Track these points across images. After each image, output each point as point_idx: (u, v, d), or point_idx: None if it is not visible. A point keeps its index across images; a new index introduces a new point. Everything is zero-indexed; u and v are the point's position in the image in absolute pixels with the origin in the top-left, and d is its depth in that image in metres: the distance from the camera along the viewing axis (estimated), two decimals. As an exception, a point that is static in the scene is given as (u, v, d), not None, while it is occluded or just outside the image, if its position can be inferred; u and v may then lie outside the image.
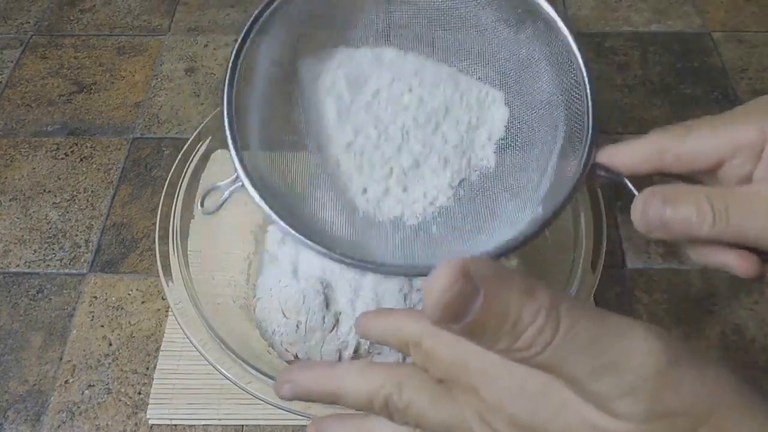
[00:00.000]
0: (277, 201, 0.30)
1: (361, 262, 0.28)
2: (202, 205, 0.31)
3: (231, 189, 0.30)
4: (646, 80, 0.66)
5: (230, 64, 0.32)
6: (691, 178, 0.29)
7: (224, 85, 0.31)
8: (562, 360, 0.19)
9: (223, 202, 0.31)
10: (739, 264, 0.27)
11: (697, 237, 0.26)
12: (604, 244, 0.41)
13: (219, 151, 0.46)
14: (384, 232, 0.36)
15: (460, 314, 0.19)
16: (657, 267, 0.52)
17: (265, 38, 0.34)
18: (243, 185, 0.29)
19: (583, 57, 0.32)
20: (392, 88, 0.38)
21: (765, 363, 0.47)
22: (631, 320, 0.20)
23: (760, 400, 0.20)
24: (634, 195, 0.28)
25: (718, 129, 0.27)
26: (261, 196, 0.29)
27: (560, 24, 0.33)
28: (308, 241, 0.28)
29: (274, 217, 0.28)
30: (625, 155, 0.29)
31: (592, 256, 0.40)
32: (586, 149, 0.30)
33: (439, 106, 0.37)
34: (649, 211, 0.27)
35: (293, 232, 0.28)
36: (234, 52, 0.32)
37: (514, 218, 0.33)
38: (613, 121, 0.62)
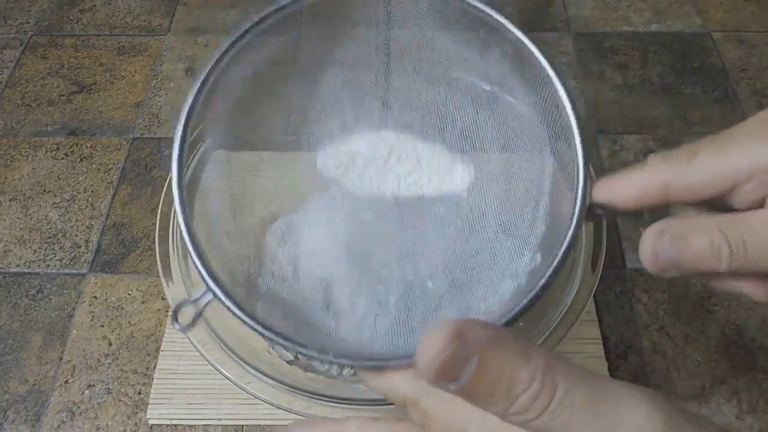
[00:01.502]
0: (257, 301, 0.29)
1: (354, 359, 0.26)
2: (176, 320, 0.29)
3: (205, 303, 0.28)
4: (646, 80, 0.66)
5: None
6: (698, 207, 0.26)
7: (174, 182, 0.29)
8: (558, 425, 0.19)
9: (199, 317, 0.29)
10: (756, 291, 0.25)
11: (714, 271, 0.24)
12: (604, 244, 0.41)
13: (219, 151, 0.46)
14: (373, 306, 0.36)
15: (453, 377, 0.19)
16: (657, 267, 0.52)
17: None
18: (215, 296, 0.27)
19: (561, 82, 0.29)
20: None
21: (765, 363, 0.47)
22: (629, 386, 0.20)
23: None
24: (639, 229, 0.27)
25: (724, 152, 0.25)
26: (237, 305, 0.27)
27: (527, 42, 0.31)
28: (300, 347, 0.27)
29: (258, 328, 0.27)
30: (625, 190, 0.27)
31: (592, 256, 0.40)
32: (580, 190, 0.28)
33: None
34: (660, 252, 0.25)
35: (280, 340, 0.27)
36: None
37: (513, 265, 0.32)
38: (613, 122, 0.62)
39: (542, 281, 0.27)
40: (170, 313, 0.30)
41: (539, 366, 0.19)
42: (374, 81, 0.37)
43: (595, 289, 0.39)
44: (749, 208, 0.25)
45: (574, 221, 0.27)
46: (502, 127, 0.35)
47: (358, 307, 0.42)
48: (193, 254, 0.28)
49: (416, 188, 0.40)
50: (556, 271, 0.27)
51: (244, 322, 0.27)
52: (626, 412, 0.19)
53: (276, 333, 0.27)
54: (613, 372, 0.46)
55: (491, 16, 0.31)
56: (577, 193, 0.28)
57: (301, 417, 0.35)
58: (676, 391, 0.45)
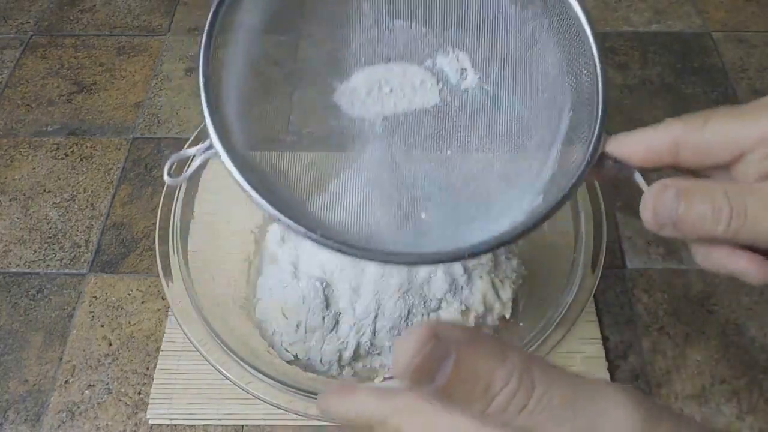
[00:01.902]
0: (256, 175, 0.27)
1: (350, 246, 0.26)
2: (169, 174, 0.28)
3: (203, 155, 0.27)
4: (646, 80, 0.66)
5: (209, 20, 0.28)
6: (704, 174, 0.27)
7: (201, 44, 0.28)
8: (536, 424, 0.19)
9: (194, 170, 0.28)
10: (752, 269, 0.25)
11: (710, 236, 0.24)
12: (604, 244, 0.41)
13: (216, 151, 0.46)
14: (374, 217, 0.34)
15: (430, 377, 0.19)
16: (657, 267, 0.52)
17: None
18: (216, 152, 0.26)
19: (593, 33, 0.30)
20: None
21: (765, 363, 0.47)
22: (606, 383, 0.20)
23: None
24: (641, 191, 0.26)
25: (738, 119, 0.25)
26: (237, 167, 0.26)
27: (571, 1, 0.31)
28: (287, 220, 0.25)
29: (252, 193, 0.26)
30: (638, 145, 0.27)
31: (592, 256, 0.40)
32: (595, 136, 0.27)
33: None
34: (661, 206, 0.25)
35: (273, 210, 0.25)
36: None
37: (512, 207, 0.31)
38: (613, 122, 0.62)
39: (542, 212, 0.27)
40: (165, 167, 0.29)
41: (516, 365, 0.19)
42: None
43: (595, 289, 0.39)
44: (756, 182, 0.25)
45: (584, 163, 0.27)
46: (526, 58, 0.34)
47: (358, 307, 0.42)
48: (205, 98, 0.27)
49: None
50: (552, 212, 0.27)
51: (240, 185, 0.26)
52: (605, 410, 0.19)
53: (271, 203, 0.25)
54: (613, 372, 0.46)
55: None
56: (595, 125, 0.27)
57: (301, 417, 0.35)
58: (676, 391, 0.45)
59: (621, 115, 0.63)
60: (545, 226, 0.28)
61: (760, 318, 0.49)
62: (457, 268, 0.42)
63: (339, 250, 0.25)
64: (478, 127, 0.37)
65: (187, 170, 0.28)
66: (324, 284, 0.42)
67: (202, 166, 0.30)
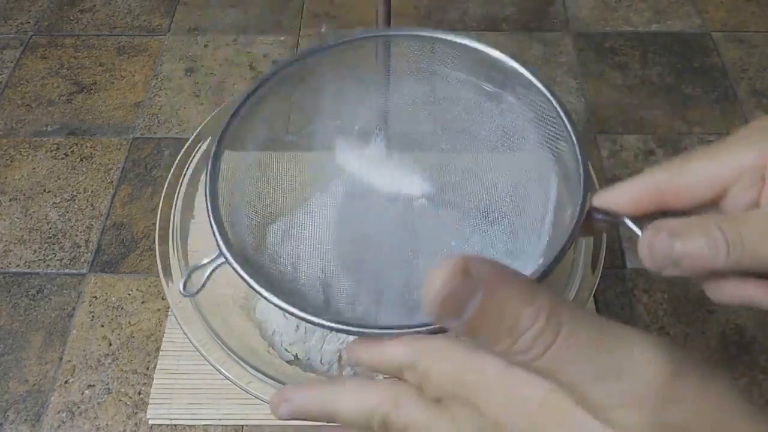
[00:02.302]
0: (263, 275, 0.29)
1: (359, 327, 0.26)
2: (184, 287, 0.29)
3: (214, 267, 0.28)
4: (646, 80, 0.66)
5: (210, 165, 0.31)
6: (694, 213, 0.27)
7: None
8: (562, 365, 0.19)
9: (206, 281, 0.29)
10: (762, 296, 0.25)
11: (713, 269, 0.24)
12: (604, 244, 0.41)
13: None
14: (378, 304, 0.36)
15: (457, 311, 0.19)
16: (657, 267, 0.52)
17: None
18: (226, 261, 0.28)
19: (562, 108, 0.31)
20: None
21: (765, 363, 0.47)
22: (635, 329, 0.20)
23: (763, 417, 0.20)
24: (637, 234, 0.27)
25: (716, 157, 0.26)
26: (246, 271, 0.27)
27: (535, 81, 0.32)
28: (303, 314, 0.27)
29: (262, 291, 0.27)
30: (621, 196, 0.28)
31: (592, 256, 0.40)
32: (581, 196, 0.28)
33: None
34: (657, 248, 0.25)
35: (284, 305, 0.27)
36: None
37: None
38: (613, 122, 0.62)
39: (537, 274, 0.27)
40: (181, 279, 0.30)
41: (544, 305, 0.19)
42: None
43: (595, 289, 0.39)
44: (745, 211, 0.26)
45: (573, 224, 0.28)
46: (505, 141, 0.35)
47: (358, 305, 0.42)
48: (212, 217, 0.29)
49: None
50: (547, 273, 0.27)
51: (251, 286, 0.27)
52: (631, 355, 0.19)
53: (279, 298, 0.27)
54: (613, 372, 0.46)
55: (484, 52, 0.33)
56: (578, 197, 0.28)
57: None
58: (676, 391, 0.46)
59: (621, 115, 0.63)
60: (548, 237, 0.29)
61: (760, 318, 0.49)
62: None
63: (349, 333, 0.26)
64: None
65: (203, 281, 0.29)
66: (324, 284, 0.42)
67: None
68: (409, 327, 0.24)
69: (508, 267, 0.20)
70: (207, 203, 0.30)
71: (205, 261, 0.29)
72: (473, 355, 0.21)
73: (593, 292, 0.39)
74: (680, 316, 0.49)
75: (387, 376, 0.25)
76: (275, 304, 0.26)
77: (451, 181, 0.41)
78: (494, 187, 0.37)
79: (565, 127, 0.31)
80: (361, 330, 0.25)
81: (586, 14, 0.73)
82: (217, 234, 0.29)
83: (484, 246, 0.38)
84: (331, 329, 0.26)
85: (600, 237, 0.41)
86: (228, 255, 0.28)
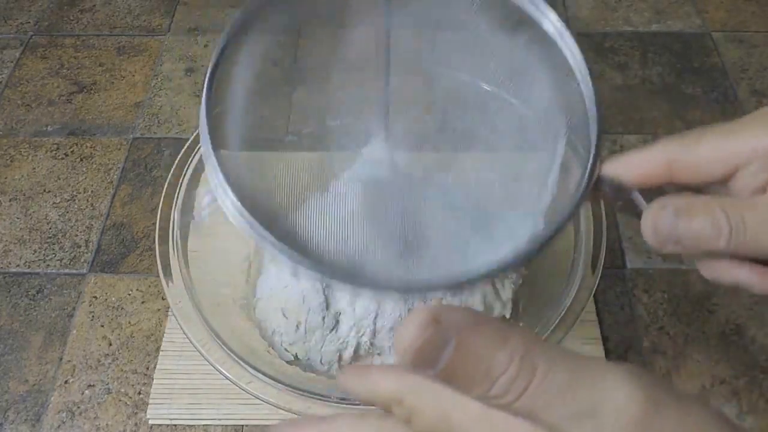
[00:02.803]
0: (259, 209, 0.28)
1: (354, 277, 0.26)
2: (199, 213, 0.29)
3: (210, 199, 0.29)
4: (646, 80, 0.66)
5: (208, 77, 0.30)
6: (701, 190, 0.27)
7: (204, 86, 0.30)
8: (539, 406, 0.19)
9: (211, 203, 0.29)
10: (755, 281, 0.25)
11: (713, 251, 0.25)
12: (604, 244, 0.41)
13: (220, 150, 0.46)
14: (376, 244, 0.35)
15: (431, 361, 0.19)
16: (657, 267, 0.52)
17: (253, 37, 0.33)
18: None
19: (584, 58, 0.31)
20: None
21: (765, 363, 0.47)
22: (609, 365, 0.20)
23: None
24: (640, 210, 0.26)
25: (731, 135, 0.26)
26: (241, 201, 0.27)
27: (559, 25, 0.31)
28: (300, 258, 0.26)
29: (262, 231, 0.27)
30: (632, 166, 0.28)
31: (592, 256, 0.40)
32: (591, 160, 0.28)
33: None
34: (661, 225, 0.25)
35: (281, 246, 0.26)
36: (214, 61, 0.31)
37: (514, 232, 0.32)
38: (613, 122, 0.62)
39: (542, 240, 0.27)
40: (196, 209, 0.30)
41: (517, 348, 0.19)
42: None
43: (595, 289, 0.39)
44: (752, 195, 0.25)
45: (582, 188, 0.27)
46: (518, 91, 0.35)
47: (358, 307, 0.42)
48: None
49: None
50: (553, 237, 0.27)
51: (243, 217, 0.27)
52: (607, 391, 0.19)
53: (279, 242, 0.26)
54: (613, 372, 0.46)
55: None
56: (587, 161, 0.28)
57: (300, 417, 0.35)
58: (676, 391, 0.45)
59: (621, 115, 0.63)
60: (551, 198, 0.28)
61: (760, 318, 0.49)
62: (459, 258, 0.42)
63: (332, 278, 0.26)
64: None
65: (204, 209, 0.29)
66: (324, 284, 0.42)
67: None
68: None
69: (479, 313, 0.21)
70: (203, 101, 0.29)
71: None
72: (458, 396, 0.21)
73: (593, 292, 0.39)
74: (680, 316, 0.49)
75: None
76: (267, 240, 0.26)
77: (456, 118, 0.40)
78: (501, 134, 0.37)
79: (579, 87, 0.29)
80: (348, 282, 0.25)
81: (586, 14, 0.73)
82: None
83: (484, 190, 0.37)
84: (322, 274, 0.26)
85: (600, 237, 0.41)
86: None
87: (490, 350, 0.19)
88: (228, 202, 0.27)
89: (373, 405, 0.24)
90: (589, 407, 0.19)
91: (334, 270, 0.26)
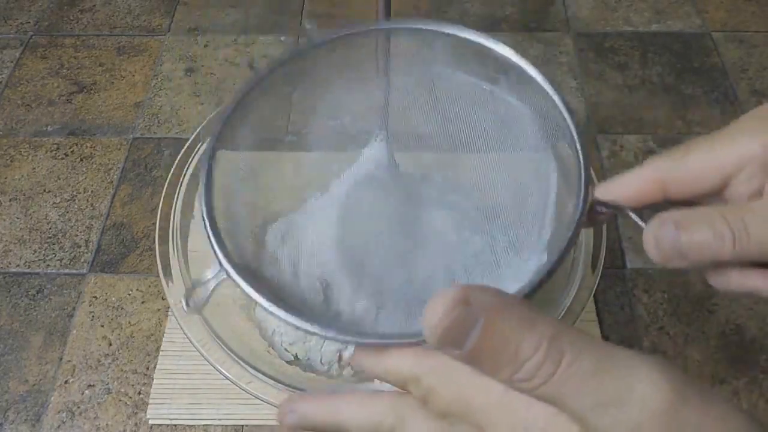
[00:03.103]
0: (264, 285, 0.28)
1: (361, 336, 0.26)
2: (187, 304, 0.29)
3: (217, 282, 0.28)
4: (646, 80, 0.66)
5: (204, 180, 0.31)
6: (697, 204, 0.27)
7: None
8: (564, 393, 0.19)
9: (210, 296, 0.29)
10: (766, 285, 0.25)
11: (719, 260, 0.24)
12: (604, 244, 0.41)
13: (220, 151, 0.46)
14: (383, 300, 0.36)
15: (457, 341, 0.19)
16: (657, 267, 0.52)
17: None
18: (228, 275, 0.28)
19: (561, 99, 0.30)
20: None
21: (765, 363, 0.47)
22: (637, 355, 0.20)
23: None
24: (641, 227, 0.26)
25: (717, 145, 0.26)
26: (248, 283, 0.27)
27: (532, 72, 0.32)
28: (306, 326, 0.26)
29: (265, 303, 0.27)
30: (623, 188, 0.28)
31: (592, 256, 0.40)
32: (582, 190, 0.28)
33: None
34: (663, 240, 0.25)
35: (286, 316, 0.26)
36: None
37: (519, 270, 0.32)
38: (613, 122, 0.62)
39: (540, 275, 0.27)
40: (181, 297, 0.30)
41: (545, 333, 0.19)
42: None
43: (595, 289, 0.39)
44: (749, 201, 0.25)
45: (577, 217, 0.28)
46: (504, 137, 0.35)
47: (357, 308, 0.42)
48: (210, 231, 0.29)
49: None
50: (555, 268, 0.27)
51: (254, 299, 0.27)
52: (633, 381, 0.19)
53: (283, 310, 0.26)
54: (613, 372, 0.46)
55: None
56: (579, 190, 0.28)
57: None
58: (676, 391, 0.46)
59: (621, 115, 0.63)
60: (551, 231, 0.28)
61: (760, 318, 0.49)
62: (458, 268, 0.42)
63: (354, 343, 0.26)
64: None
65: (206, 297, 0.29)
66: (324, 284, 0.42)
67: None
68: (410, 336, 0.24)
69: (508, 294, 0.21)
70: (204, 216, 0.30)
71: (209, 276, 0.29)
72: (476, 376, 0.21)
73: (593, 292, 0.39)
74: (680, 316, 0.49)
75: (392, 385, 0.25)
76: (278, 316, 0.26)
77: (450, 177, 0.41)
78: (493, 182, 0.37)
79: (564, 120, 0.30)
80: (362, 340, 0.25)
81: (586, 14, 0.73)
82: (216, 248, 0.29)
83: (484, 242, 0.38)
84: (334, 340, 0.26)
85: (600, 237, 0.41)
86: (229, 269, 0.28)
87: (518, 334, 0.19)
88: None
89: (387, 382, 0.24)
90: (615, 396, 0.19)
91: (358, 333, 0.26)
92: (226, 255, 0.28)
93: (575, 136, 0.30)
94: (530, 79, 0.31)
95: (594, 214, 0.28)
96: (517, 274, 0.32)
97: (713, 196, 0.26)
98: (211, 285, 0.29)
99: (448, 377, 0.22)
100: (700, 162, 0.26)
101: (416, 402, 0.23)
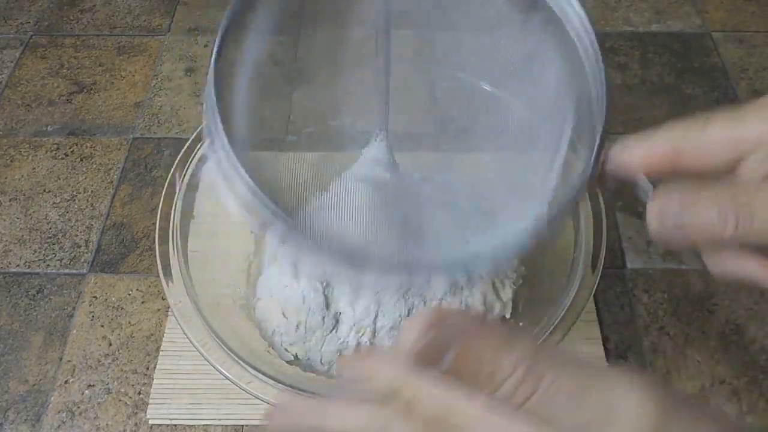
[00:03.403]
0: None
1: (357, 259, 0.25)
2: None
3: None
4: (646, 80, 0.66)
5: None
6: (708, 177, 0.26)
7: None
8: (545, 414, 0.19)
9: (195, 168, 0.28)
10: (763, 273, 0.25)
11: (720, 241, 0.24)
12: (604, 244, 0.41)
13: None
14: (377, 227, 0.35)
15: (434, 362, 0.19)
16: (657, 267, 0.52)
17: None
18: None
19: (594, 39, 0.30)
20: None
21: (765, 363, 0.47)
22: (621, 372, 0.19)
23: None
24: (645, 197, 0.26)
25: (738, 121, 0.25)
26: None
27: (572, 5, 0.30)
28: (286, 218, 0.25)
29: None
30: (638, 152, 0.27)
31: (592, 256, 0.40)
32: (596, 145, 0.27)
33: None
34: (666, 212, 0.24)
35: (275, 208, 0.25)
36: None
37: (518, 217, 0.31)
38: (613, 122, 0.62)
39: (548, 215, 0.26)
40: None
41: (524, 354, 0.19)
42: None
43: (595, 289, 0.39)
44: (761, 182, 0.25)
45: (587, 172, 0.27)
46: (521, 93, 0.34)
47: (358, 308, 0.42)
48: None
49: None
50: (564, 214, 0.27)
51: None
52: (617, 401, 0.18)
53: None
54: (613, 372, 0.46)
55: None
56: (594, 141, 0.27)
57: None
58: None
59: (621, 115, 0.63)
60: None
61: (760, 318, 0.49)
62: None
63: (335, 259, 0.25)
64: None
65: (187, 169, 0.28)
66: (324, 284, 0.42)
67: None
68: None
69: (485, 317, 0.21)
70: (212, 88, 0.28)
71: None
72: (458, 391, 0.21)
73: (593, 292, 0.39)
74: (680, 316, 0.49)
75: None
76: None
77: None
78: (505, 107, 0.36)
79: (594, 62, 0.29)
80: (338, 256, 0.24)
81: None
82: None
83: (492, 180, 0.37)
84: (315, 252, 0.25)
85: (600, 237, 0.41)
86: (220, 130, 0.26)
87: (496, 354, 0.19)
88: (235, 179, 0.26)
89: (370, 389, 0.24)
90: (602, 415, 0.18)
91: (337, 251, 0.25)
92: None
93: (601, 77, 0.29)
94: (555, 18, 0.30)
95: (602, 175, 0.27)
96: (516, 219, 0.31)
97: (724, 173, 0.26)
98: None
99: (428, 389, 0.21)
100: (718, 135, 0.25)
101: (400, 413, 0.23)
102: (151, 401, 0.45)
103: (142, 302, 0.50)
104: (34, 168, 0.60)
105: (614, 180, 0.28)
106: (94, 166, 0.60)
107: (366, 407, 0.23)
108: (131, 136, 0.62)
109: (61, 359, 0.48)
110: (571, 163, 0.30)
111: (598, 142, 0.28)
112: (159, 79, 0.67)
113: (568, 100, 0.31)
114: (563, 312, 0.38)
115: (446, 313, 0.20)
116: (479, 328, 0.20)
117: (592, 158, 0.27)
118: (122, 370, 0.47)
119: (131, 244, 0.54)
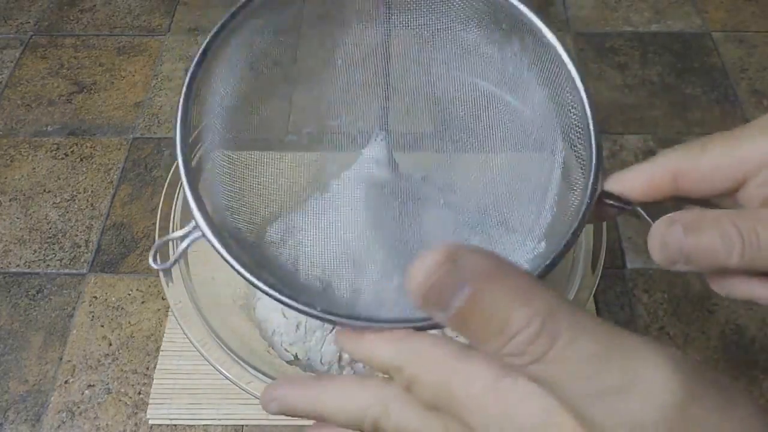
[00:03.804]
0: (245, 251, 0.26)
1: (347, 317, 0.24)
2: (155, 260, 0.26)
3: (190, 239, 0.26)
4: (646, 80, 0.66)
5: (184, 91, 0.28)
6: (708, 203, 0.26)
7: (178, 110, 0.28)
8: (557, 376, 0.17)
9: (181, 254, 0.26)
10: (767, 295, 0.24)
11: (725, 267, 0.23)
12: (604, 244, 0.41)
13: (219, 151, 0.46)
14: (371, 274, 0.35)
15: (442, 304, 0.18)
16: (657, 267, 0.51)
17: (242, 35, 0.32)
18: (203, 235, 0.25)
19: (578, 72, 0.28)
20: None
21: (765, 363, 0.47)
22: (647, 340, 0.18)
23: None
24: (649, 224, 0.25)
25: (738, 142, 0.24)
26: (223, 245, 0.25)
27: (549, 36, 0.29)
28: (285, 299, 0.24)
29: (242, 271, 0.25)
30: (636, 181, 0.26)
31: (592, 256, 0.40)
32: (592, 177, 0.26)
33: None
34: (669, 241, 0.23)
35: (265, 287, 0.24)
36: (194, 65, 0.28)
37: (513, 254, 0.31)
38: (613, 122, 0.62)
39: (547, 261, 0.25)
40: (150, 252, 0.28)
41: (541, 307, 0.17)
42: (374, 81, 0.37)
43: (595, 289, 0.39)
44: (762, 207, 0.24)
45: (584, 206, 0.26)
46: (512, 121, 0.33)
47: (358, 307, 0.42)
48: (186, 183, 0.26)
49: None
50: (562, 255, 0.25)
51: (231, 264, 0.25)
52: (639, 370, 0.17)
53: (264, 282, 0.24)
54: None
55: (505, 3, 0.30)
56: (588, 180, 0.27)
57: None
58: (676, 391, 0.45)
59: (621, 115, 0.63)
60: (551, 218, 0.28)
61: (760, 318, 0.49)
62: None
63: (341, 324, 0.24)
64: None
65: (175, 255, 0.27)
66: (324, 284, 0.42)
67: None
68: (397, 321, 0.23)
69: (506, 260, 0.19)
70: (181, 172, 0.27)
71: (179, 233, 0.26)
72: (461, 364, 0.20)
73: (593, 292, 0.39)
74: (680, 316, 0.49)
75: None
76: (258, 286, 0.24)
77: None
78: (493, 148, 0.35)
79: (577, 89, 0.28)
80: (349, 321, 0.24)
81: (586, 14, 0.73)
82: (193, 203, 0.26)
83: (478, 218, 0.36)
84: (319, 318, 0.24)
85: (600, 237, 0.41)
86: (205, 227, 0.25)
87: (510, 303, 0.17)
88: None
89: (371, 367, 0.23)
90: (619, 386, 0.17)
91: (348, 316, 0.24)
92: (204, 213, 0.25)
93: (590, 119, 0.28)
94: (547, 44, 0.29)
95: (602, 207, 0.27)
96: (511, 256, 0.31)
97: (726, 196, 0.25)
98: (184, 244, 0.26)
99: (429, 365, 0.21)
100: (717, 159, 0.24)
101: (401, 391, 0.22)
102: (151, 401, 0.45)
103: (142, 302, 0.50)
104: (34, 168, 0.60)
105: (612, 212, 0.27)
106: (94, 166, 0.60)
107: (367, 388, 0.22)
108: (131, 136, 0.62)
109: (61, 359, 0.48)
110: (567, 197, 0.29)
111: (593, 172, 0.27)
112: (159, 79, 0.67)
113: (555, 132, 0.30)
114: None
115: (463, 250, 0.18)
116: (497, 272, 0.18)
117: (588, 190, 0.27)
118: (122, 370, 0.47)
119: (131, 244, 0.54)
